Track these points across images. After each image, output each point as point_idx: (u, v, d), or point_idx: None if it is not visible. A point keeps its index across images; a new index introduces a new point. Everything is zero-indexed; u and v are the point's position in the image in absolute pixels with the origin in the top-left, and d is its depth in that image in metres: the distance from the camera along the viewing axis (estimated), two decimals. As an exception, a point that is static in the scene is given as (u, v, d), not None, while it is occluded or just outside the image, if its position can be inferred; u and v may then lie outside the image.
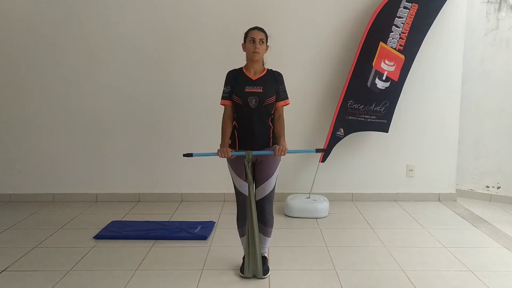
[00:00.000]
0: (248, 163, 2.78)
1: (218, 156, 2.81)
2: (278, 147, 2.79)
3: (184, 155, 2.92)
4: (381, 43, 4.26)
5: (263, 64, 2.92)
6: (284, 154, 2.79)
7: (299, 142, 4.67)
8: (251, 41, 2.80)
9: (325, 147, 4.38)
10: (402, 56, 4.28)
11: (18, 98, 4.66)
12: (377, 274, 3.02)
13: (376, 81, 4.30)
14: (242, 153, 2.79)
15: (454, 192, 4.81)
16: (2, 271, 3.08)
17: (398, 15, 4.23)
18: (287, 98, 2.93)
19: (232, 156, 2.80)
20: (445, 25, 4.52)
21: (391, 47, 4.26)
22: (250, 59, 2.85)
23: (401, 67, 4.30)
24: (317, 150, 3.03)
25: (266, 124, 2.87)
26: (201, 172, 4.73)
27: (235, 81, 2.85)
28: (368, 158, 4.74)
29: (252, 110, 2.80)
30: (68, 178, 4.76)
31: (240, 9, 4.47)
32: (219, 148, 2.83)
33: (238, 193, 2.96)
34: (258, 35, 2.81)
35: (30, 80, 4.63)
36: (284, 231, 3.85)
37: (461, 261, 3.23)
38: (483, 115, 4.80)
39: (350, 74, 4.34)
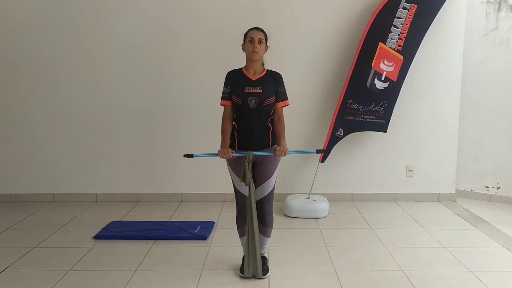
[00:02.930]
0: (248, 163, 2.77)
1: (219, 157, 2.82)
2: (278, 147, 2.79)
3: (185, 156, 2.92)
4: (380, 44, 4.26)
5: (263, 65, 2.92)
6: (284, 155, 2.79)
7: (299, 142, 4.67)
8: (250, 41, 2.80)
9: (325, 148, 4.38)
10: (401, 57, 4.28)
11: (17, 99, 4.66)
12: (377, 274, 3.03)
13: (375, 81, 4.30)
14: (243, 153, 2.79)
15: (454, 192, 4.81)
16: (2, 271, 3.08)
17: (397, 15, 4.24)
18: (286, 99, 2.93)
19: (233, 156, 2.81)
20: (445, 25, 4.52)
21: (390, 47, 4.27)
22: (249, 59, 2.85)
23: (399, 67, 4.30)
24: (318, 151, 3.10)
25: (266, 124, 2.87)
26: (201, 172, 4.72)
27: (235, 81, 2.85)
28: (367, 158, 4.74)
29: (251, 111, 2.80)
30: (67, 178, 4.76)
31: (239, 10, 4.47)
32: (219, 149, 2.84)
33: (237, 193, 2.96)
34: (257, 35, 2.81)
35: (29, 81, 4.63)
36: (284, 231, 3.85)
37: (460, 261, 3.23)
38: (483, 115, 4.80)
39: (350, 74, 4.34)
